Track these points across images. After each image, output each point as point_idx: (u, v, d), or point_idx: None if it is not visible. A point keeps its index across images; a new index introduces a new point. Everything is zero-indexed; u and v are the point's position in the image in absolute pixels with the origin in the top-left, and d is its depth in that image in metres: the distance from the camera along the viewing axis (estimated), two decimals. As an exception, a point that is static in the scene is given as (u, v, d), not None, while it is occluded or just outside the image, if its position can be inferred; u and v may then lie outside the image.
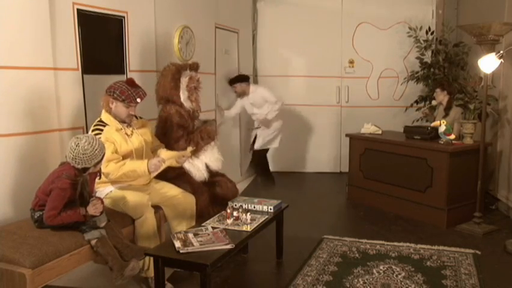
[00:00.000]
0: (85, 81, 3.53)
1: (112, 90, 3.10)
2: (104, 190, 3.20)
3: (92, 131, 3.09)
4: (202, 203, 3.56)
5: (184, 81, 3.65)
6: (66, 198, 2.65)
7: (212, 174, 3.77)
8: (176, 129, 3.63)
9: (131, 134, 3.24)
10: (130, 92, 3.11)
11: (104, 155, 2.78)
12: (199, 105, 3.81)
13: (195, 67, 3.78)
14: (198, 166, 3.64)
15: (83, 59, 3.49)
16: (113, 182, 3.20)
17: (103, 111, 3.18)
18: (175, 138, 3.63)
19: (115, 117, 3.16)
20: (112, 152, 3.06)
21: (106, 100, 3.14)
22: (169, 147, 3.55)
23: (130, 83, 3.18)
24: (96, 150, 2.69)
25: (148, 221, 3.10)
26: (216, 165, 3.74)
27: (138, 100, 3.14)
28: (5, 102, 2.90)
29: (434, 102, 5.05)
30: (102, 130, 3.09)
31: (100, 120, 3.16)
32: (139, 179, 3.27)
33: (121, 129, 3.18)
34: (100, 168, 2.93)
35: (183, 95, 3.65)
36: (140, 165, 3.11)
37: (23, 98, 2.99)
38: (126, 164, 3.09)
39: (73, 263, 2.64)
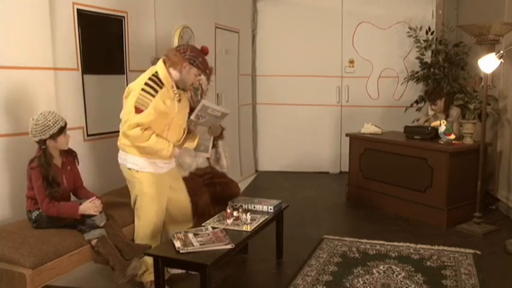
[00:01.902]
0: (85, 81, 3.53)
1: (193, 56, 2.91)
2: (129, 157, 2.97)
3: (146, 84, 2.82)
4: (203, 203, 3.57)
5: None
6: (42, 176, 2.67)
7: (213, 174, 3.77)
8: None
9: (180, 101, 2.99)
10: (206, 63, 2.99)
11: (60, 128, 2.73)
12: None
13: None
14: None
15: (83, 59, 3.50)
16: (141, 152, 2.94)
17: (162, 65, 2.91)
18: None
19: (173, 78, 2.93)
20: (146, 120, 2.81)
21: (178, 60, 2.89)
22: None
23: (206, 52, 3.01)
24: (49, 121, 2.70)
25: (153, 226, 3.09)
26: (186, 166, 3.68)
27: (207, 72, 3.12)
28: (4, 102, 2.91)
29: (431, 113, 5.04)
30: (157, 91, 2.83)
31: (157, 76, 2.87)
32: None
33: (176, 93, 2.94)
34: (76, 154, 2.95)
35: None
36: (165, 149, 2.90)
37: (23, 98, 3.00)
38: (151, 139, 2.84)
39: (73, 263, 2.64)
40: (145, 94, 2.81)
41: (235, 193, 3.85)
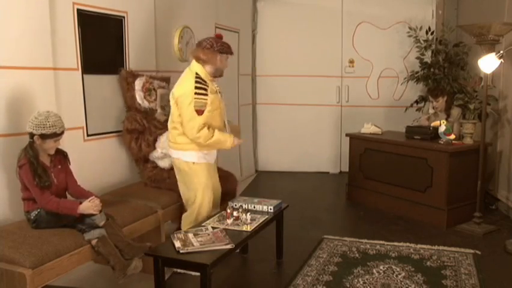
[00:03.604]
0: (85, 81, 3.53)
1: (219, 45, 3.26)
2: (186, 153, 3.29)
3: (196, 88, 3.14)
4: None
5: (138, 83, 3.80)
6: (31, 171, 2.67)
7: None
8: (127, 134, 3.75)
9: (218, 91, 3.36)
10: (229, 45, 3.34)
11: (53, 133, 2.70)
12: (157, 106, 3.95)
13: (164, 79, 4.02)
14: (159, 158, 3.76)
15: (83, 59, 3.49)
16: (201, 148, 3.29)
17: (198, 65, 3.25)
18: (126, 143, 3.79)
19: (210, 73, 3.29)
20: (207, 119, 3.18)
21: (211, 55, 3.23)
22: (130, 150, 3.81)
23: (222, 37, 3.39)
24: (48, 121, 2.69)
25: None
26: None
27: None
28: (4, 102, 2.90)
29: (431, 111, 5.05)
30: (206, 90, 3.18)
31: (199, 77, 3.20)
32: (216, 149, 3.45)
33: (217, 87, 3.37)
34: (67, 154, 2.93)
35: (138, 96, 3.79)
36: (227, 139, 3.30)
37: (23, 98, 2.99)
38: (216, 134, 3.22)
39: (73, 263, 2.64)
40: (200, 96, 3.15)
41: (232, 188, 3.88)
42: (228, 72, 5.80)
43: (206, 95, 3.16)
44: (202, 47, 3.25)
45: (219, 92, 3.37)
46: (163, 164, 3.76)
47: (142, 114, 3.80)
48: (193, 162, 3.31)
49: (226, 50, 3.29)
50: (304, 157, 6.86)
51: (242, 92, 6.33)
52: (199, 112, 3.15)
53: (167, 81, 4.10)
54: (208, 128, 3.19)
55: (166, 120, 3.70)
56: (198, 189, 3.34)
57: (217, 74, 3.34)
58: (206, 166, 3.38)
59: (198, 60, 3.25)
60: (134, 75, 3.84)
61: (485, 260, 3.60)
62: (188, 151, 3.29)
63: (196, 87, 3.15)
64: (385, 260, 3.57)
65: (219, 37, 3.36)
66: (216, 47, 3.24)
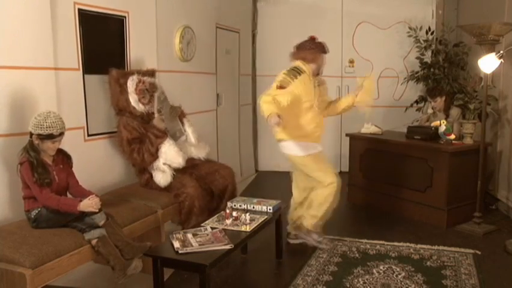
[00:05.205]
0: (86, 81, 3.53)
1: (320, 47, 3.69)
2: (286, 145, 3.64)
3: (288, 71, 3.52)
4: (183, 197, 3.57)
5: (131, 84, 3.59)
6: (31, 168, 2.67)
7: (200, 166, 3.83)
8: (127, 145, 3.58)
9: (316, 86, 3.65)
10: (324, 45, 3.74)
11: (49, 135, 2.69)
12: (152, 108, 3.75)
13: (148, 73, 3.79)
14: (160, 168, 3.59)
15: (84, 59, 3.50)
16: (292, 137, 3.60)
17: (303, 62, 3.61)
18: (126, 153, 3.63)
19: (312, 71, 3.62)
20: (284, 98, 3.36)
21: (315, 55, 3.64)
22: (130, 160, 3.67)
23: (315, 39, 3.78)
24: (46, 122, 2.68)
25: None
26: (177, 163, 3.61)
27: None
28: (5, 102, 2.91)
29: (430, 111, 5.04)
30: (296, 77, 3.48)
31: (298, 67, 3.56)
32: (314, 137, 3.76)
33: (316, 80, 3.67)
34: (72, 160, 2.94)
35: (133, 99, 3.60)
36: (268, 110, 3.32)
37: (24, 98, 3.00)
38: (264, 99, 3.34)
39: (73, 263, 2.64)
40: (286, 76, 3.48)
41: (223, 183, 3.85)
42: (228, 72, 5.87)
43: (292, 79, 3.46)
44: (308, 48, 3.65)
45: (319, 86, 3.68)
46: (159, 179, 3.57)
47: (138, 120, 3.62)
48: (302, 156, 3.65)
49: (326, 50, 3.70)
50: (304, 157, 6.84)
51: (242, 92, 6.33)
52: (280, 87, 3.42)
53: (153, 75, 3.86)
54: (272, 98, 3.34)
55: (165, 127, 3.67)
56: (319, 175, 3.66)
57: (318, 72, 3.67)
58: (312, 156, 3.71)
59: (304, 60, 3.61)
60: (126, 75, 3.64)
61: (485, 260, 3.60)
62: (295, 146, 3.64)
63: (287, 70, 3.52)
64: (385, 260, 3.57)
65: (313, 39, 3.75)
66: (319, 49, 3.66)
